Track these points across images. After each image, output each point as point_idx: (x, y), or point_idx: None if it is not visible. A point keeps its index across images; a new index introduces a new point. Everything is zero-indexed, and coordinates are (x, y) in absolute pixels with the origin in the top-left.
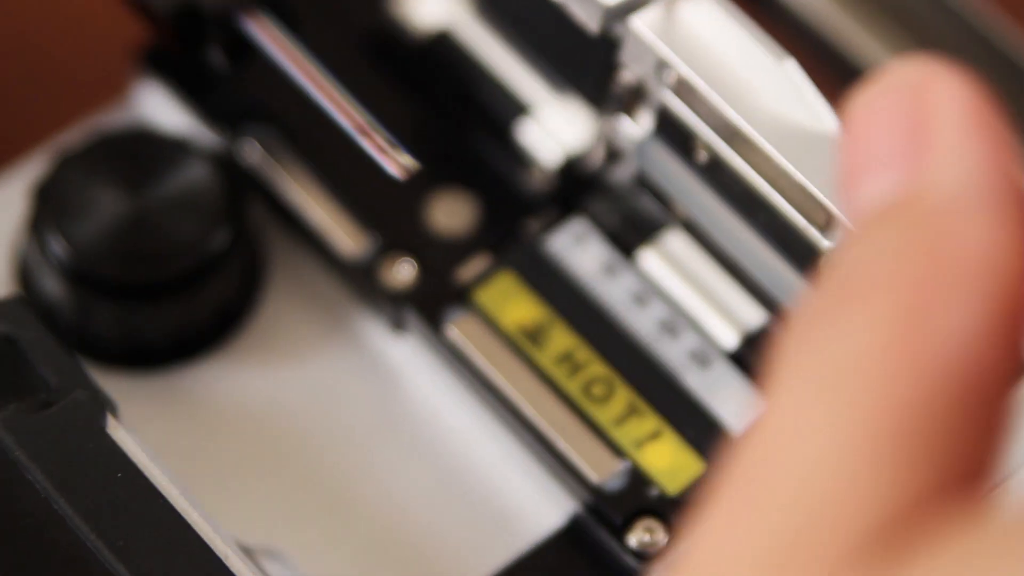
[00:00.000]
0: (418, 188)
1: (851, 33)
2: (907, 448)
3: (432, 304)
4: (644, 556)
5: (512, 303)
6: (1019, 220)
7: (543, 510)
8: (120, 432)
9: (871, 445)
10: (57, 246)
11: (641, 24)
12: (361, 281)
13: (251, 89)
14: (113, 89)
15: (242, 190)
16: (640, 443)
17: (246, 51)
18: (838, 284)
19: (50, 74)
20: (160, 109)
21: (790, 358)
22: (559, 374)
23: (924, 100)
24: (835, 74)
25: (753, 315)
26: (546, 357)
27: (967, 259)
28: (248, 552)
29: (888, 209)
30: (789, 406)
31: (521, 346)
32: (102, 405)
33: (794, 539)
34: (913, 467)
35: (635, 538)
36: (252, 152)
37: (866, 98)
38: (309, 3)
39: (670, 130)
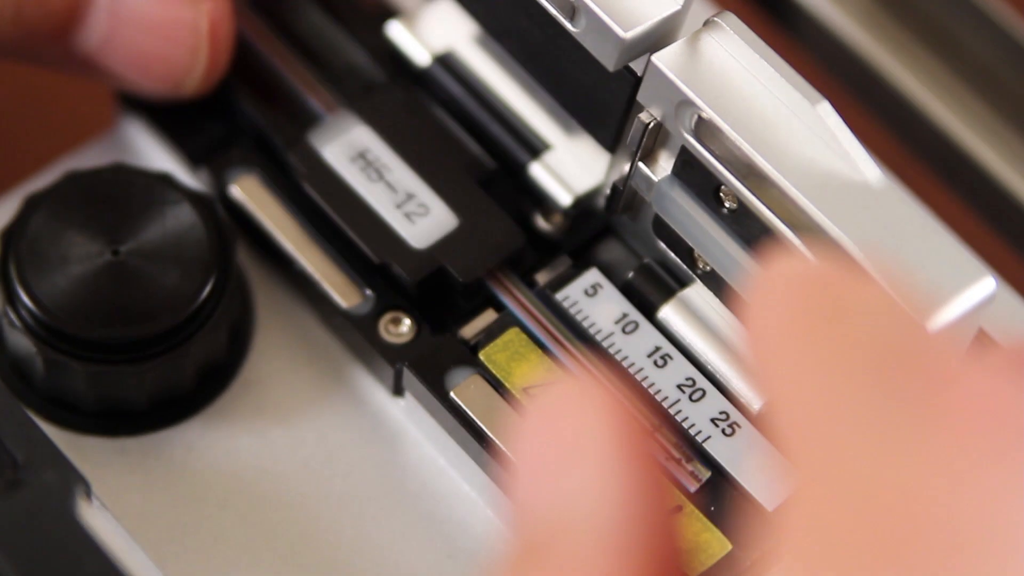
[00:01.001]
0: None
1: (888, 64)
2: None
3: (433, 364)
4: None
5: (521, 361)
6: (642, 549)
7: None
8: (92, 515)
9: None
10: (23, 300)
11: (662, 62)
12: (357, 336)
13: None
14: (93, 129)
15: (230, 235)
16: None
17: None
18: None
19: (31, 111)
20: (142, 149)
21: None
22: None
23: (573, 424)
24: (873, 110)
25: None
26: None
27: None
28: None
29: (526, 550)
30: None
31: None
32: (72, 486)
33: None
34: None
35: None
36: (239, 193)
37: (529, 418)
38: None
39: (692, 175)
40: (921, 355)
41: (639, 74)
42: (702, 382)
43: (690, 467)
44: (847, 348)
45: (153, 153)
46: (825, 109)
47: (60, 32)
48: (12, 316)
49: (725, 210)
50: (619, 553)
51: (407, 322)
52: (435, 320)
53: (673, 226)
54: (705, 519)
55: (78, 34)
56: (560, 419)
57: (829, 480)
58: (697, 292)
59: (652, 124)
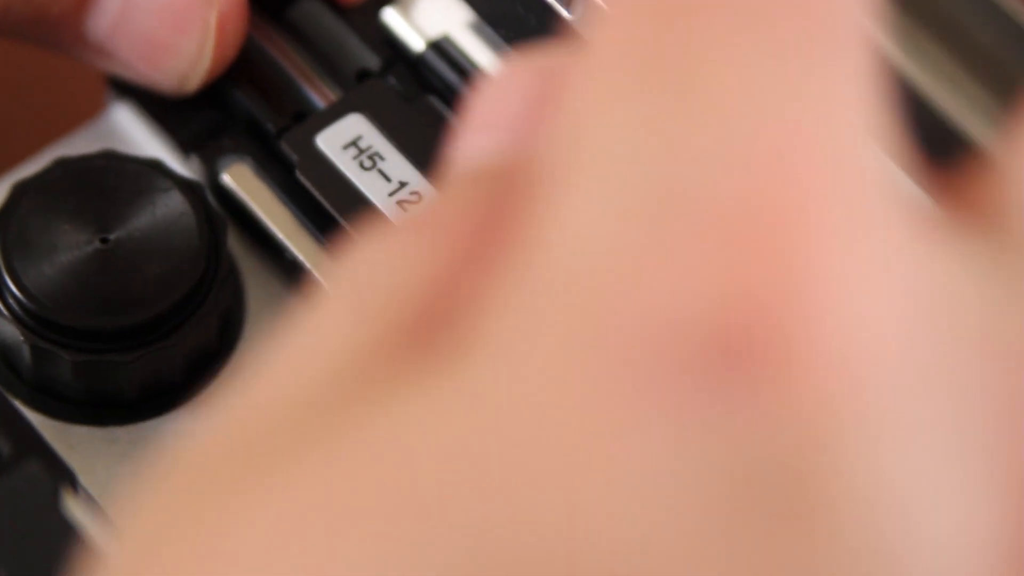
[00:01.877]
0: None
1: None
2: None
3: None
4: None
5: None
6: None
7: None
8: (77, 509)
9: None
10: (10, 288)
11: None
12: None
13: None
14: (84, 116)
15: (220, 223)
16: None
17: None
18: None
19: (21, 98)
20: (132, 136)
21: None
22: None
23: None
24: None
25: None
26: None
27: None
28: None
29: None
30: None
31: None
32: (57, 479)
33: None
34: None
35: None
36: (230, 181)
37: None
38: None
39: None
40: None
41: None
42: None
43: None
44: None
45: (144, 140)
46: None
47: (72, 13)
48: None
49: None
50: None
51: None
52: None
53: None
54: None
55: (89, 17)
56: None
57: None
58: None
59: None
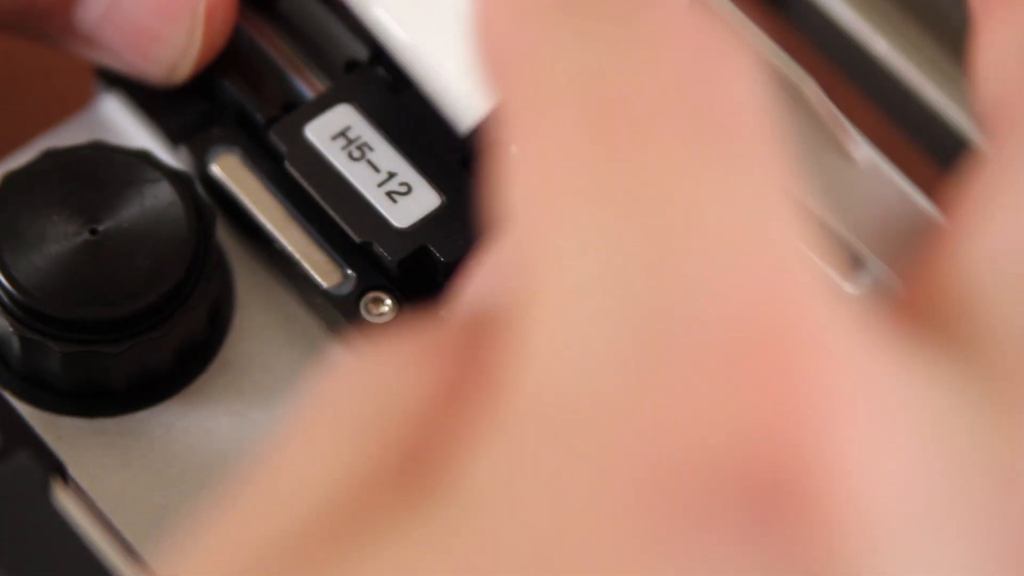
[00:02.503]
0: None
1: (875, 39)
2: None
3: None
4: None
5: None
6: None
7: None
8: (67, 501)
9: None
10: None
11: None
12: (338, 316)
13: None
14: (72, 107)
15: (209, 214)
16: None
17: None
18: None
19: (9, 90)
20: (121, 127)
21: None
22: None
23: None
24: (861, 86)
25: None
26: None
27: None
28: None
29: None
30: None
31: None
32: (47, 470)
33: None
34: None
35: None
36: (219, 172)
37: None
38: None
39: None
40: None
41: None
42: None
43: None
44: None
45: (133, 131)
46: (811, 88)
47: (60, 3)
48: None
49: None
50: None
51: (388, 302)
52: (417, 300)
53: None
54: None
55: (77, 7)
56: None
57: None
58: None
59: None
